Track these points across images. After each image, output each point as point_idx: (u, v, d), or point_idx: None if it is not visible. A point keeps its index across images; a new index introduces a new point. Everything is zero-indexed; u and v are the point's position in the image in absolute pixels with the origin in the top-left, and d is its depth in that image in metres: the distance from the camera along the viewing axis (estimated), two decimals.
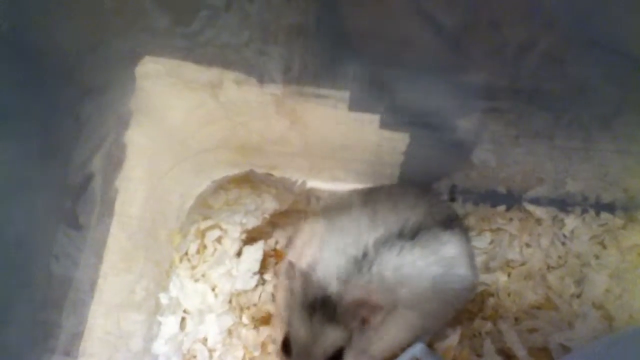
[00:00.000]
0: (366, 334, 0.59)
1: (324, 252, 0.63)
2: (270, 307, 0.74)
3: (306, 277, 0.60)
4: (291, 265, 0.61)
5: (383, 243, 0.63)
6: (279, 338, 0.62)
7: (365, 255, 0.62)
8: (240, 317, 0.73)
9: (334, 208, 0.73)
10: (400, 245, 0.63)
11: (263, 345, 0.72)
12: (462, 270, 0.69)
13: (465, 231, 0.75)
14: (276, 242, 0.78)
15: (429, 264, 0.64)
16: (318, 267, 0.61)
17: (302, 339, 0.58)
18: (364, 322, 0.59)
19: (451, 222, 0.72)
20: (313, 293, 0.59)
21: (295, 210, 0.81)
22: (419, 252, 0.64)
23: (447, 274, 0.66)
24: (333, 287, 0.59)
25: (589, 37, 0.60)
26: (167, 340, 0.69)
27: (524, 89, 0.67)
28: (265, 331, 0.72)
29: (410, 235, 0.65)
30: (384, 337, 0.61)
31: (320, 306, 0.58)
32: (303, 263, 0.62)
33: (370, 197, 0.72)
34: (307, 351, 0.58)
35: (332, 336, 0.58)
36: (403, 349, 0.66)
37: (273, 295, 0.75)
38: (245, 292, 0.73)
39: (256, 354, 0.71)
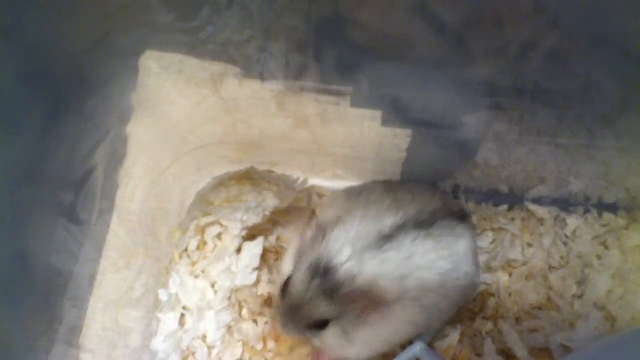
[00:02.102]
0: (357, 320, 0.60)
1: (347, 218, 0.63)
2: (269, 289, 0.74)
3: (320, 230, 0.61)
4: (313, 214, 0.63)
5: (401, 228, 0.63)
6: (283, 278, 0.63)
7: (389, 235, 0.62)
8: (240, 313, 0.73)
9: (357, 190, 0.74)
10: (415, 234, 0.63)
11: (264, 338, 0.72)
12: (469, 267, 0.69)
13: (474, 227, 0.76)
14: (277, 239, 0.78)
15: (441, 258, 0.65)
16: (336, 229, 0.61)
17: (297, 295, 0.59)
18: (363, 310, 0.59)
19: (465, 217, 0.72)
20: (320, 254, 0.59)
21: (296, 208, 0.81)
22: (432, 245, 0.64)
23: (455, 270, 0.66)
24: (343, 256, 0.59)
25: (593, 36, 0.60)
26: (166, 337, 0.68)
27: (527, 88, 0.67)
28: (263, 320, 0.72)
29: (427, 225, 0.65)
30: (372, 332, 0.61)
31: (322, 273, 0.58)
32: (322, 218, 0.63)
33: (390, 186, 0.73)
34: (296, 308, 0.59)
35: (322, 309, 0.59)
36: (403, 346, 0.66)
37: (277, 273, 0.75)
38: (245, 287, 0.73)
39: (258, 347, 0.71)
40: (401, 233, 0.63)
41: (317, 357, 0.68)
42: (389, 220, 0.63)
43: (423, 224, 0.65)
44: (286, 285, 0.61)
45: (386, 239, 0.62)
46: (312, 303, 0.58)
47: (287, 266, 0.64)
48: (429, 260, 0.63)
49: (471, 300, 0.75)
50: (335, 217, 0.63)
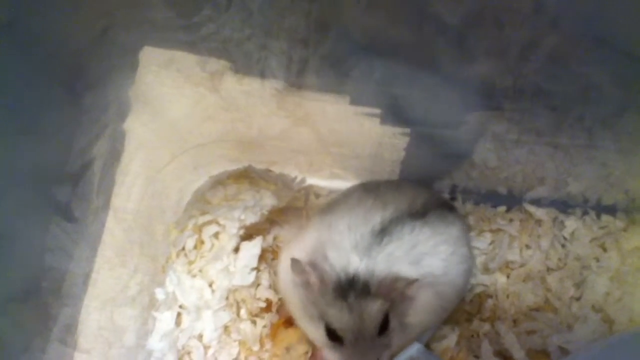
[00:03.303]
0: (404, 304, 0.60)
1: (332, 235, 0.62)
2: (268, 294, 0.74)
3: (316, 266, 0.59)
4: (296, 262, 0.60)
5: (395, 220, 0.63)
6: (318, 337, 0.61)
7: (382, 229, 0.62)
8: (238, 313, 0.72)
9: (331, 202, 0.73)
10: (412, 224, 0.63)
11: (261, 339, 0.71)
12: (465, 251, 0.70)
13: (462, 217, 0.77)
14: (274, 239, 0.78)
15: (440, 242, 0.65)
16: (328, 250, 0.60)
17: (349, 321, 0.57)
18: (402, 295, 0.59)
19: (452, 206, 0.73)
20: (333, 277, 0.58)
21: (294, 207, 0.81)
22: (430, 232, 0.64)
23: (455, 253, 0.67)
24: (354, 263, 0.58)
25: (593, 37, 0.60)
26: (162, 336, 0.68)
27: (527, 88, 0.67)
28: (261, 322, 0.72)
29: (421, 214, 0.65)
30: (418, 307, 0.61)
31: (349, 286, 0.57)
32: (305, 256, 0.61)
33: (368, 186, 0.73)
34: (359, 330, 0.57)
35: (375, 306, 0.57)
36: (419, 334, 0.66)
37: (273, 280, 0.75)
38: (243, 288, 0.72)
39: (255, 348, 0.71)
40: (396, 225, 0.63)
41: (315, 358, 0.68)
42: (378, 217, 0.63)
43: (417, 213, 0.65)
44: (331, 334, 0.59)
45: (382, 233, 0.61)
46: (365, 310, 0.57)
47: (312, 330, 0.62)
48: (431, 246, 0.64)
49: (468, 286, 0.75)
50: (317, 244, 0.62)
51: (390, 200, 0.66)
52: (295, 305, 0.63)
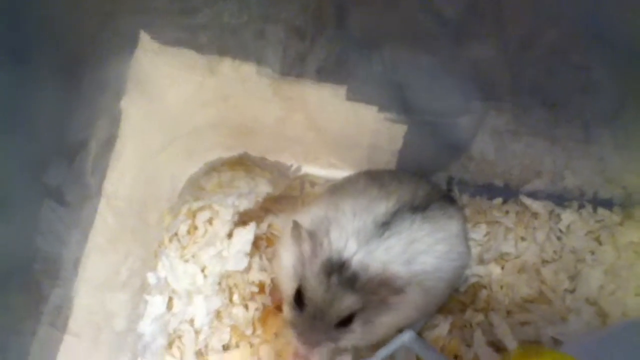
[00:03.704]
0: (378, 308, 0.60)
1: (338, 215, 0.62)
2: (261, 277, 0.74)
3: (313, 237, 0.60)
4: (297, 225, 0.61)
5: (396, 213, 0.63)
6: (289, 292, 0.62)
7: (385, 222, 0.62)
8: (230, 299, 0.72)
9: (339, 184, 0.73)
10: (412, 218, 0.64)
11: (253, 324, 0.71)
12: (462, 248, 0.70)
13: (461, 209, 0.77)
14: (268, 226, 0.78)
15: (437, 241, 0.65)
16: (332, 228, 0.61)
17: (319, 298, 0.58)
18: (385, 297, 0.59)
19: (453, 199, 0.73)
20: (326, 254, 0.59)
21: (288, 196, 0.81)
22: (429, 228, 0.65)
23: (451, 252, 0.67)
24: (351, 250, 0.59)
25: (593, 33, 0.60)
26: (153, 319, 0.68)
27: (525, 83, 0.67)
28: (253, 306, 0.72)
29: (422, 208, 0.65)
30: (392, 314, 0.61)
31: (337, 269, 0.58)
32: (309, 224, 0.62)
33: (374, 174, 0.73)
34: (322, 310, 0.58)
35: (349, 301, 0.58)
36: (399, 330, 0.66)
37: (268, 262, 0.75)
38: (237, 273, 0.72)
39: (248, 332, 0.71)
40: (397, 218, 0.63)
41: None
42: (382, 208, 0.63)
43: (418, 207, 0.65)
44: (298, 297, 0.60)
45: (384, 226, 0.62)
46: (337, 299, 0.58)
47: (288, 284, 0.62)
48: (428, 245, 0.64)
49: (462, 280, 0.76)
50: (323, 217, 0.63)
51: (393, 191, 0.66)
52: (283, 258, 0.64)
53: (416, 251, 0.62)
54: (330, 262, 0.58)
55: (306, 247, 0.60)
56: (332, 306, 0.58)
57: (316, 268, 0.58)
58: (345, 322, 0.59)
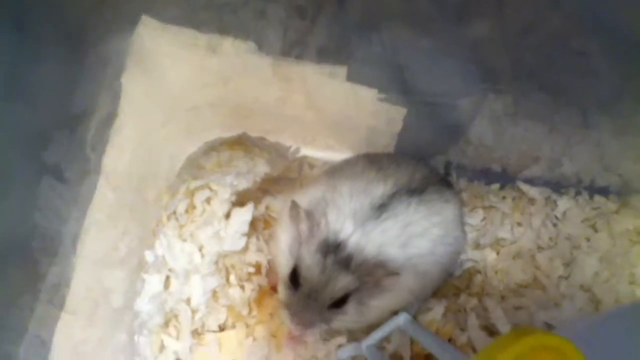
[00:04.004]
0: (372, 290, 0.60)
1: (336, 196, 0.63)
2: (257, 258, 0.74)
3: (311, 217, 0.60)
4: (295, 205, 0.61)
5: (393, 196, 0.63)
6: (285, 271, 0.62)
7: (382, 204, 0.62)
8: (227, 279, 0.72)
9: (338, 166, 0.73)
10: (408, 200, 0.64)
11: (249, 304, 0.72)
12: (458, 232, 0.70)
13: (458, 193, 0.77)
14: (266, 208, 0.78)
15: (433, 224, 0.65)
16: (329, 209, 0.61)
17: (314, 277, 0.59)
18: (377, 281, 0.60)
19: (450, 183, 0.73)
20: (323, 235, 0.59)
21: (286, 178, 0.80)
22: (425, 211, 0.65)
23: (446, 236, 0.67)
24: (347, 231, 0.59)
25: (594, 20, 0.59)
26: (150, 298, 0.68)
27: (525, 68, 0.67)
28: (250, 287, 0.72)
29: (420, 191, 0.66)
30: (386, 297, 0.61)
31: (333, 250, 0.59)
32: (306, 204, 0.62)
33: (372, 157, 0.73)
34: (317, 290, 0.59)
35: (344, 282, 0.59)
36: (394, 312, 0.66)
37: (265, 243, 0.75)
38: (234, 253, 0.73)
39: (244, 312, 0.71)
40: (394, 201, 0.63)
41: (291, 340, 0.69)
42: (379, 190, 0.64)
43: (415, 190, 0.65)
44: (294, 276, 0.61)
45: (381, 208, 0.62)
46: (333, 278, 0.58)
47: (284, 264, 0.63)
48: (423, 228, 0.64)
49: (457, 264, 0.76)
50: (320, 198, 0.63)
51: (391, 174, 0.66)
52: (280, 238, 0.64)
53: (412, 234, 0.63)
54: (326, 242, 0.59)
55: (303, 227, 0.60)
56: (327, 286, 0.59)
57: (312, 248, 0.59)
58: (339, 303, 0.60)
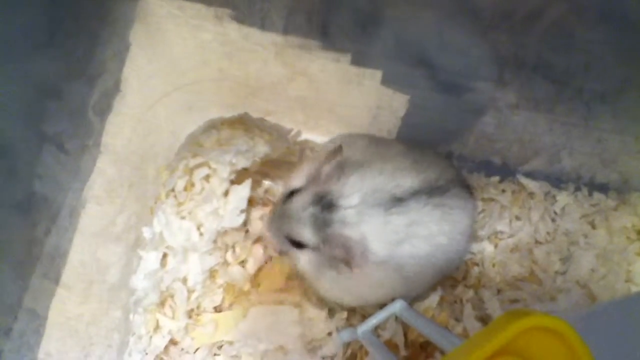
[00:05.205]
0: (330, 262, 0.61)
1: (367, 167, 0.62)
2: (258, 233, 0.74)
3: (338, 169, 0.61)
4: (339, 148, 0.62)
5: (416, 193, 0.62)
6: (289, 188, 0.65)
7: (400, 198, 0.61)
8: (225, 258, 0.72)
9: (380, 140, 0.74)
10: (426, 201, 0.62)
11: (250, 281, 0.72)
12: (463, 243, 0.70)
13: (475, 201, 0.75)
14: (265, 191, 0.77)
15: (441, 232, 0.64)
16: (355, 172, 0.61)
17: (292, 209, 0.61)
18: (338, 259, 0.59)
19: (471, 190, 0.72)
20: (331, 189, 0.60)
21: (287, 161, 0.80)
22: (439, 216, 0.63)
23: (449, 245, 0.66)
24: (351, 202, 0.59)
25: (599, 9, 0.59)
26: (146, 275, 0.68)
27: (528, 58, 0.66)
28: (249, 263, 0.73)
29: (441, 192, 0.64)
30: (345, 278, 0.61)
31: (324, 205, 0.59)
32: (346, 155, 0.63)
33: (408, 147, 0.71)
34: (286, 218, 0.61)
35: (305, 234, 0.60)
36: (377, 304, 0.66)
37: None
38: (232, 230, 0.72)
39: (245, 288, 0.71)
40: (413, 198, 0.62)
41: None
42: (407, 182, 0.62)
43: (438, 190, 0.64)
44: (290, 196, 0.63)
45: (397, 201, 0.61)
46: (300, 223, 0.60)
47: (296, 180, 0.65)
48: (429, 232, 0.63)
49: (454, 269, 0.75)
50: (356, 161, 0.63)
51: (423, 170, 0.65)
52: (305, 166, 0.67)
53: (414, 234, 0.61)
54: (326, 195, 0.59)
55: (328, 169, 0.61)
56: (292, 223, 0.60)
57: (313, 190, 0.60)
58: (296, 244, 0.62)
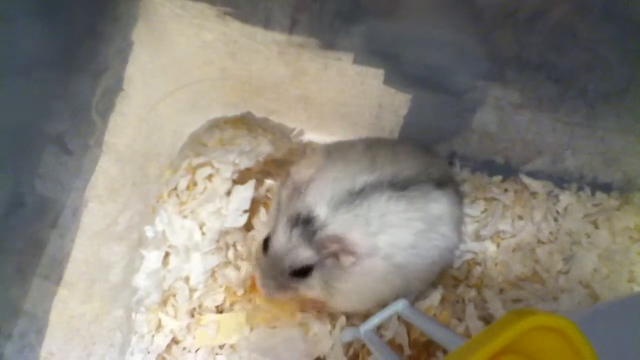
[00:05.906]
0: (335, 269, 0.63)
1: (320, 177, 0.64)
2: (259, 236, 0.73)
3: (295, 188, 0.63)
4: (288, 173, 0.64)
5: (375, 187, 0.64)
6: (263, 234, 0.66)
7: (360, 191, 0.63)
8: (227, 257, 0.72)
9: (338, 146, 0.74)
10: (389, 194, 0.64)
11: (245, 284, 0.71)
12: (446, 230, 0.69)
13: (458, 194, 0.75)
14: (266, 191, 0.77)
15: (414, 218, 0.65)
16: (311, 186, 0.63)
17: (279, 245, 0.63)
18: (336, 257, 0.62)
19: (445, 183, 0.71)
20: (299, 208, 0.62)
21: (289, 161, 0.80)
22: (405, 205, 0.65)
23: (430, 231, 0.67)
24: (321, 210, 0.62)
25: (603, 9, 0.59)
26: (148, 274, 0.68)
27: (532, 57, 0.66)
28: (245, 266, 0.72)
29: (401, 186, 0.66)
30: (353, 280, 0.63)
31: (302, 223, 0.62)
32: (298, 177, 0.65)
33: (373, 144, 0.73)
34: (280, 258, 0.63)
35: (303, 254, 0.62)
36: (382, 304, 0.66)
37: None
38: (235, 230, 0.72)
39: (239, 293, 0.71)
40: (375, 191, 0.64)
41: (304, 304, 0.70)
42: (362, 178, 0.65)
43: (397, 185, 0.66)
44: (267, 241, 0.64)
45: (358, 195, 0.63)
46: (294, 249, 0.62)
47: (263, 231, 0.67)
48: (403, 220, 0.65)
49: (452, 263, 0.76)
50: (310, 176, 0.65)
51: (380, 167, 0.66)
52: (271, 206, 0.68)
53: (388, 224, 0.63)
54: (299, 215, 0.62)
55: (284, 194, 0.64)
56: (288, 255, 0.62)
57: (285, 218, 0.63)
58: (301, 274, 0.63)
